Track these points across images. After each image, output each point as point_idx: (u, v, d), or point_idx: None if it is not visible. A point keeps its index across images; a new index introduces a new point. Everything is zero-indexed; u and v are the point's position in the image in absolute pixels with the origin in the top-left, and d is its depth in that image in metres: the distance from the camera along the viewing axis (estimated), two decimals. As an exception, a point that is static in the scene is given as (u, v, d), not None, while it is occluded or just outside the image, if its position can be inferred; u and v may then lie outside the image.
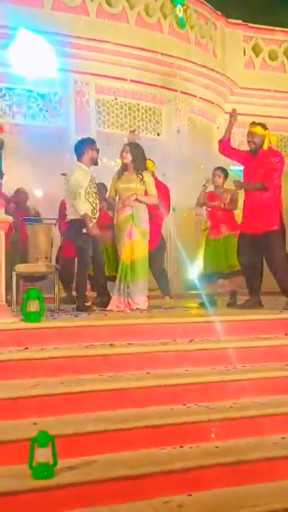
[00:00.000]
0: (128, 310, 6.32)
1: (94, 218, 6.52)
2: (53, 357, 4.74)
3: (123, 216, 6.54)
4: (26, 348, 4.80)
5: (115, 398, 4.48)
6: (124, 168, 6.69)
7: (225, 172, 7.38)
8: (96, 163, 6.65)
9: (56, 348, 4.86)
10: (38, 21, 10.00)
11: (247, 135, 6.60)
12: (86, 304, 6.46)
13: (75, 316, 5.88)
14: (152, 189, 6.63)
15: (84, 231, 6.43)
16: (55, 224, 7.25)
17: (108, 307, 6.39)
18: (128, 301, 6.41)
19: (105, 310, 6.36)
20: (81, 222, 6.43)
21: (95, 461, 3.94)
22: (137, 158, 6.60)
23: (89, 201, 6.47)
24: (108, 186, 7.00)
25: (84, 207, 6.42)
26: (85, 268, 6.58)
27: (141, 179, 6.55)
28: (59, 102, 10.94)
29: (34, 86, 10.50)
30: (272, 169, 6.40)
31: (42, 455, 3.66)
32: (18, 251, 7.09)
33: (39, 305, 5.13)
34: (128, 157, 6.60)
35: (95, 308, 6.45)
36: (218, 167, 7.44)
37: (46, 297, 6.10)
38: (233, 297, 7.14)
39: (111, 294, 6.58)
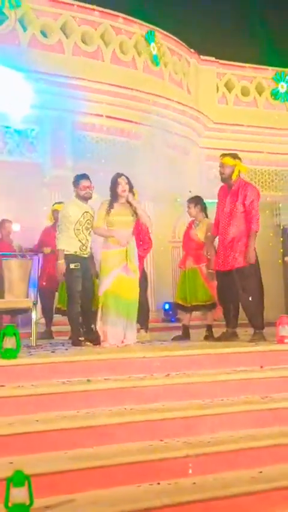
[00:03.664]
0: (122, 345, 6.31)
1: (85, 254, 6.55)
2: (30, 394, 4.72)
3: (117, 249, 6.33)
4: (3, 386, 4.78)
5: (92, 435, 4.46)
6: (114, 200, 6.46)
7: (196, 202, 7.42)
8: (86, 199, 6.69)
9: (33, 385, 4.83)
10: (14, 59, 10.12)
11: (219, 166, 6.79)
12: (80, 338, 6.49)
13: (52, 351, 5.87)
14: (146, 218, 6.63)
15: (72, 266, 6.47)
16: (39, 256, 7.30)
17: (111, 342, 6.28)
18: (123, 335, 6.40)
19: (97, 345, 6.34)
20: (70, 257, 6.47)
21: (73, 500, 3.91)
22: (131, 189, 6.52)
23: (78, 237, 6.53)
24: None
25: (65, 242, 6.48)
26: (74, 303, 6.57)
27: (135, 211, 6.45)
28: (36, 138, 11.03)
29: (11, 123, 10.57)
30: (251, 203, 6.55)
31: (18, 495, 3.62)
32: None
33: (15, 342, 5.12)
34: (127, 189, 6.45)
35: (88, 344, 6.44)
36: (189, 198, 7.53)
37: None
38: (208, 330, 7.20)
39: (98, 329, 6.45)
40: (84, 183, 6.69)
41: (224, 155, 6.81)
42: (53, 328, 8.33)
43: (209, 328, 7.22)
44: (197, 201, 7.41)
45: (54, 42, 11.31)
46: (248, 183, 6.89)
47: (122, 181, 6.45)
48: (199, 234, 7.28)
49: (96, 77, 11.17)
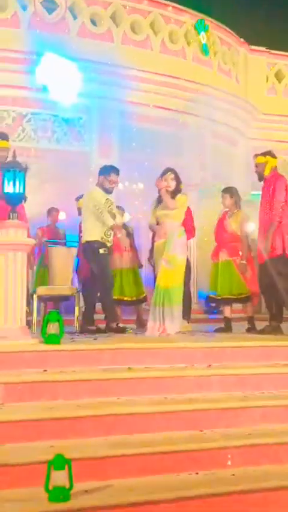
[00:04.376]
0: (162, 335, 6.33)
1: (108, 241, 6.59)
2: (72, 379, 4.77)
3: (161, 241, 6.56)
4: (45, 370, 4.84)
5: (132, 423, 4.48)
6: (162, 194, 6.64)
7: (231, 192, 7.36)
8: (108, 192, 6.72)
9: (74, 371, 4.89)
10: (64, 47, 10.19)
11: (254, 166, 6.91)
12: (91, 327, 6.57)
13: (94, 339, 5.92)
14: (182, 211, 6.64)
15: (101, 251, 6.51)
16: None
17: (147, 333, 6.38)
18: (162, 326, 6.42)
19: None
20: (97, 243, 6.51)
21: (111, 486, 3.94)
22: (178, 184, 6.63)
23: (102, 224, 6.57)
24: (128, 210, 7.09)
25: (91, 228, 6.55)
26: (110, 287, 6.64)
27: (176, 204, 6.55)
28: (83, 127, 11.09)
29: (59, 111, 10.66)
30: (273, 194, 6.58)
31: (59, 478, 3.68)
32: (47, 272, 7.26)
33: (59, 327, 5.18)
34: (173, 185, 6.60)
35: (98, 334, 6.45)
36: (224, 188, 7.46)
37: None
38: (250, 322, 7.13)
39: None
40: (113, 177, 6.73)
41: (256, 155, 6.94)
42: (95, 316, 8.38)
43: (251, 320, 7.15)
44: (232, 191, 7.35)
45: (104, 31, 11.33)
46: (278, 176, 6.82)
47: (168, 177, 6.58)
48: (233, 225, 7.20)
49: (144, 66, 11.16)
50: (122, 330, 6.57)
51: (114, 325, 6.63)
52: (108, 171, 6.76)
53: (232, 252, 7.14)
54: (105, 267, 6.63)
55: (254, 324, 7.08)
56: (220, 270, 7.17)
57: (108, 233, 6.63)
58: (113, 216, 6.67)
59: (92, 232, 6.60)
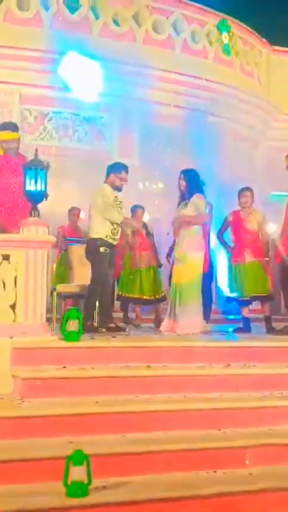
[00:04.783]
0: (176, 333, 6.35)
1: (114, 240, 6.55)
2: (91, 376, 4.81)
3: (177, 239, 6.72)
4: (64, 367, 4.88)
5: (151, 420, 4.51)
6: (181, 195, 6.79)
7: (252, 191, 7.32)
8: (117, 189, 6.68)
9: (93, 368, 4.92)
10: (86, 47, 10.23)
11: (286, 166, 6.86)
12: (94, 324, 6.41)
13: (113, 337, 5.94)
14: (196, 210, 6.64)
15: (101, 250, 6.44)
16: None
17: (160, 329, 6.55)
18: (174, 323, 6.46)
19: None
20: (100, 241, 6.45)
21: (129, 483, 3.97)
22: (190, 184, 6.68)
23: (110, 221, 6.52)
24: (148, 210, 7.14)
25: (98, 225, 6.47)
26: (97, 286, 6.46)
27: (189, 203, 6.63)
28: (104, 126, 11.12)
29: (80, 110, 10.70)
30: None
31: (77, 473, 3.71)
32: (67, 270, 7.30)
33: (78, 325, 5.21)
34: (183, 184, 6.70)
35: (103, 330, 6.36)
36: (244, 188, 7.42)
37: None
38: (268, 322, 7.12)
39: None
40: (124, 174, 6.69)
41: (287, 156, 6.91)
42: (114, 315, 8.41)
43: (268, 320, 7.12)
44: (252, 191, 7.33)
45: (126, 31, 11.34)
46: None
47: (179, 177, 6.75)
48: (255, 225, 7.19)
49: (166, 65, 11.14)
50: (95, 329, 6.31)
51: (88, 323, 6.29)
52: (119, 168, 6.71)
53: (257, 253, 7.10)
54: (100, 267, 6.45)
55: (271, 323, 7.07)
56: (247, 271, 7.07)
57: (115, 231, 6.55)
58: (121, 214, 6.62)
59: (98, 230, 6.49)
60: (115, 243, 6.61)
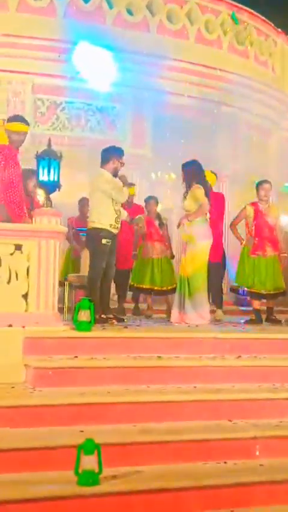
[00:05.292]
0: (187, 324, 6.37)
1: (116, 228, 6.48)
2: (102, 366, 4.83)
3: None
4: (76, 357, 4.90)
5: (161, 411, 4.52)
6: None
7: (270, 184, 7.29)
8: (115, 175, 6.55)
9: (104, 358, 4.94)
10: (99, 37, 10.18)
11: None
12: (102, 316, 6.30)
13: (125, 327, 5.96)
14: (193, 201, 6.65)
15: (103, 241, 6.33)
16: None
17: (170, 320, 6.63)
18: (181, 314, 6.50)
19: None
20: (104, 232, 6.35)
21: (139, 472, 3.99)
22: (187, 176, 6.75)
23: (114, 208, 6.43)
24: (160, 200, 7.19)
25: (102, 214, 6.35)
26: (96, 278, 6.38)
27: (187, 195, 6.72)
28: (117, 116, 11.10)
29: (93, 100, 10.68)
30: None
31: (88, 462, 3.73)
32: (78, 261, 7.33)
33: (90, 315, 5.23)
34: (183, 177, 6.83)
35: (114, 322, 6.31)
36: (265, 180, 7.38)
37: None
38: (271, 313, 7.18)
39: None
40: (123, 159, 6.57)
41: None
42: (125, 305, 8.44)
43: (271, 310, 7.22)
44: (271, 184, 7.28)
45: (139, 20, 11.28)
46: None
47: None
48: (274, 219, 7.17)
49: (180, 55, 11.09)
50: (104, 321, 6.26)
51: (97, 316, 6.12)
52: (120, 153, 6.58)
53: (275, 247, 7.09)
54: (100, 259, 6.35)
55: (273, 313, 7.13)
56: (268, 265, 7.05)
57: (118, 219, 6.46)
58: (119, 206, 6.53)
59: (102, 219, 6.34)
60: (116, 231, 6.50)
